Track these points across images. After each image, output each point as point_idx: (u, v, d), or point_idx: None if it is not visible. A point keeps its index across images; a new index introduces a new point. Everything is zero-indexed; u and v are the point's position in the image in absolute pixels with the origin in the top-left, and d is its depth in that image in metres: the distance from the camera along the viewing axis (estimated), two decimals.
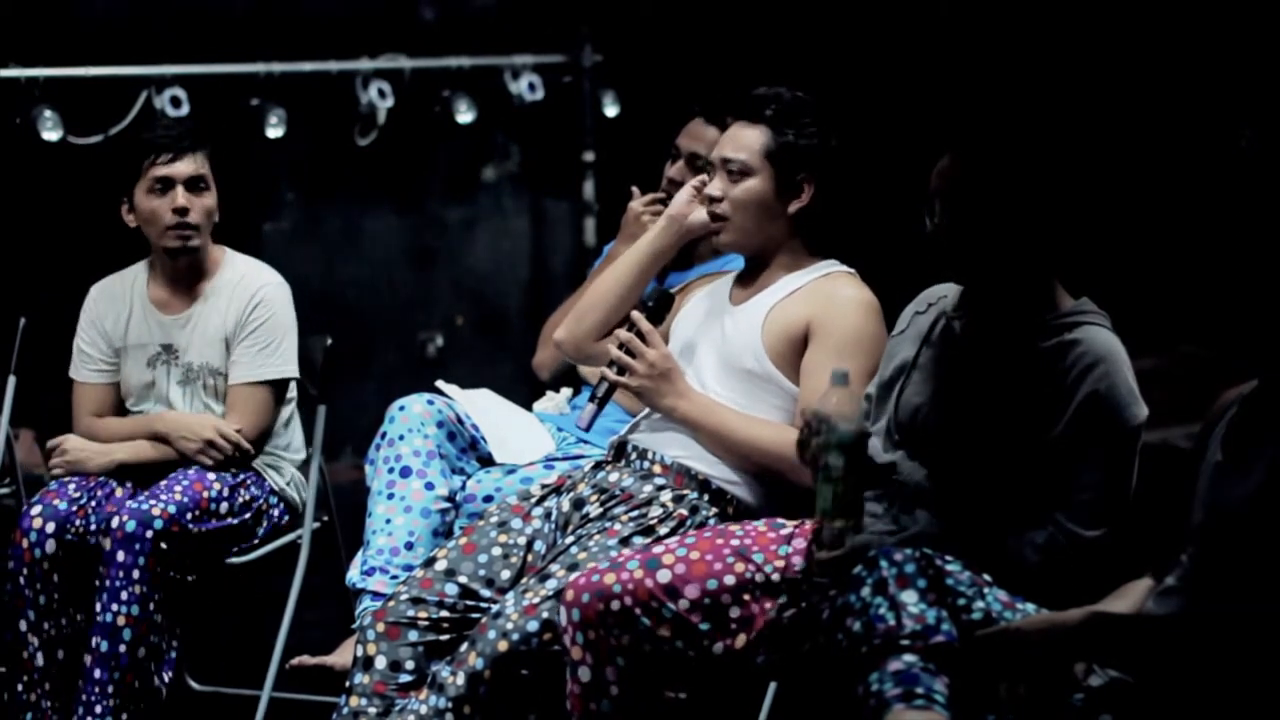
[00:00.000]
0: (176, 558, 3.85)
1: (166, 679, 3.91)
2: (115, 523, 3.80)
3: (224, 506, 3.96)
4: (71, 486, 3.96)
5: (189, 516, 3.86)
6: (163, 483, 3.92)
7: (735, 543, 3.26)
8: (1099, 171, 6.03)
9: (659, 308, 3.64)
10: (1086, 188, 3.27)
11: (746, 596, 3.21)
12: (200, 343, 4.06)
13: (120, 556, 3.79)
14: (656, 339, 3.56)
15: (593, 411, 3.59)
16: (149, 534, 3.79)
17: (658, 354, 3.54)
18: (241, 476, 4.03)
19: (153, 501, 3.84)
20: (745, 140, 3.57)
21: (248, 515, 4.03)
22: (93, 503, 3.95)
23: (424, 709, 3.36)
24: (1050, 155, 3.12)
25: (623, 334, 3.56)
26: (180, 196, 4.00)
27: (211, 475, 3.96)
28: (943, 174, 3.13)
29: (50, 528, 3.87)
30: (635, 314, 3.59)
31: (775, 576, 3.22)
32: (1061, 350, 3.07)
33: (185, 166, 4.01)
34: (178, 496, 3.87)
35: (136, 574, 3.80)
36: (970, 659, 2.74)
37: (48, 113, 5.81)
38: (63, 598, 3.90)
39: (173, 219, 4.00)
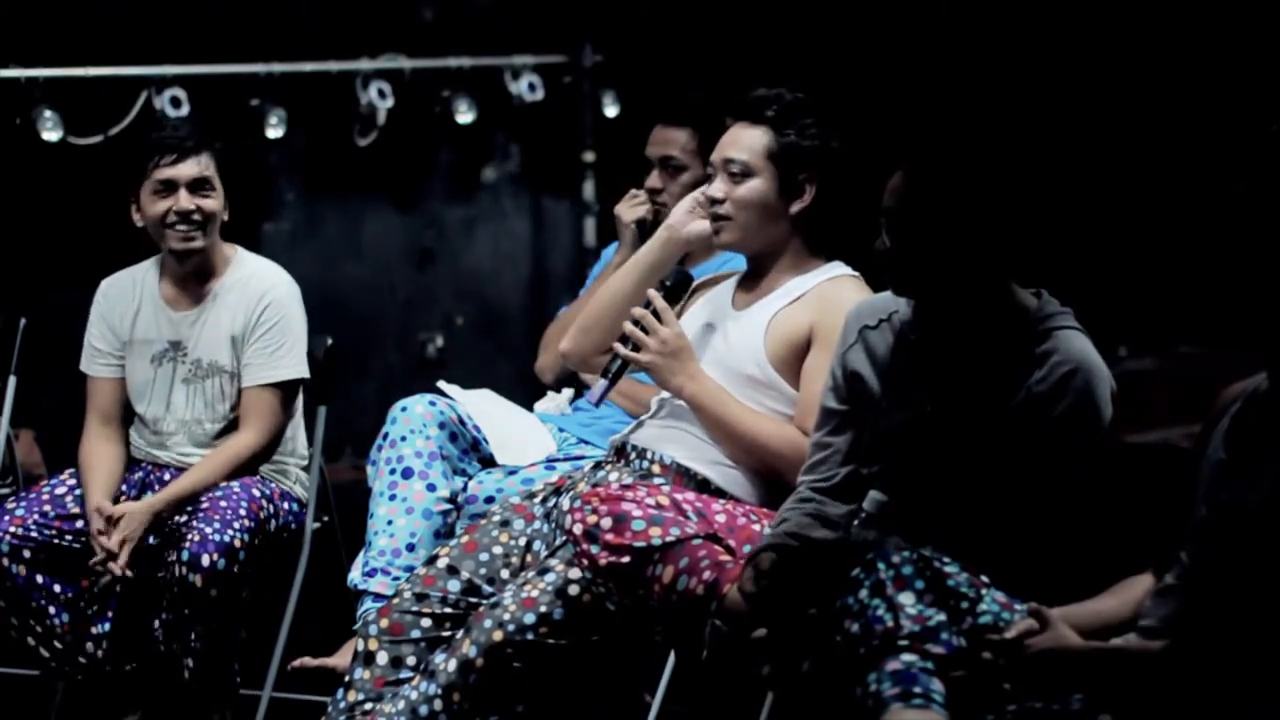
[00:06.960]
0: (244, 577, 3.88)
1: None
2: (205, 561, 3.75)
3: (273, 524, 3.97)
4: (10, 502, 3.96)
5: (257, 541, 3.86)
6: (224, 504, 3.86)
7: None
8: (1099, 174, 6.04)
9: (677, 288, 3.65)
10: (1045, 198, 3.21)
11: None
12: (209, 340, 4.05)
13: (213, 593, 3.76)
14: (671, 317, 3.55)
15: (604, 387, 3.59)
16: (236, 568, 3.79)
17: (671, 332, 3.53)
18: (271, 485, 4.02)
19: (230, 532, 3.79)
20: (747, 141, 3.56)
21: (285, 530, 4.04)
22: (35, 517, 3.91)
23: (414, 694, 3.37)
24: (999, 170, 3.04)
25: (638, 311, 3.56)
26: (184, 199, 3.98)
27: (256, 491, 3.93)
28: (892, 193, 3.08)
29: None
30: (652, 292, 3.58)
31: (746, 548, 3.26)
32: (1038, 360, 3.04)
33: (189, 168, 3.99)
34: (246, 522, 3.84)
35: (225, 603, 3.81)
36: (971, 665, 2.74)
37: (48, 113, 5.81)
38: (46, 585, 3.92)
39: (175, 220, 3.99)
